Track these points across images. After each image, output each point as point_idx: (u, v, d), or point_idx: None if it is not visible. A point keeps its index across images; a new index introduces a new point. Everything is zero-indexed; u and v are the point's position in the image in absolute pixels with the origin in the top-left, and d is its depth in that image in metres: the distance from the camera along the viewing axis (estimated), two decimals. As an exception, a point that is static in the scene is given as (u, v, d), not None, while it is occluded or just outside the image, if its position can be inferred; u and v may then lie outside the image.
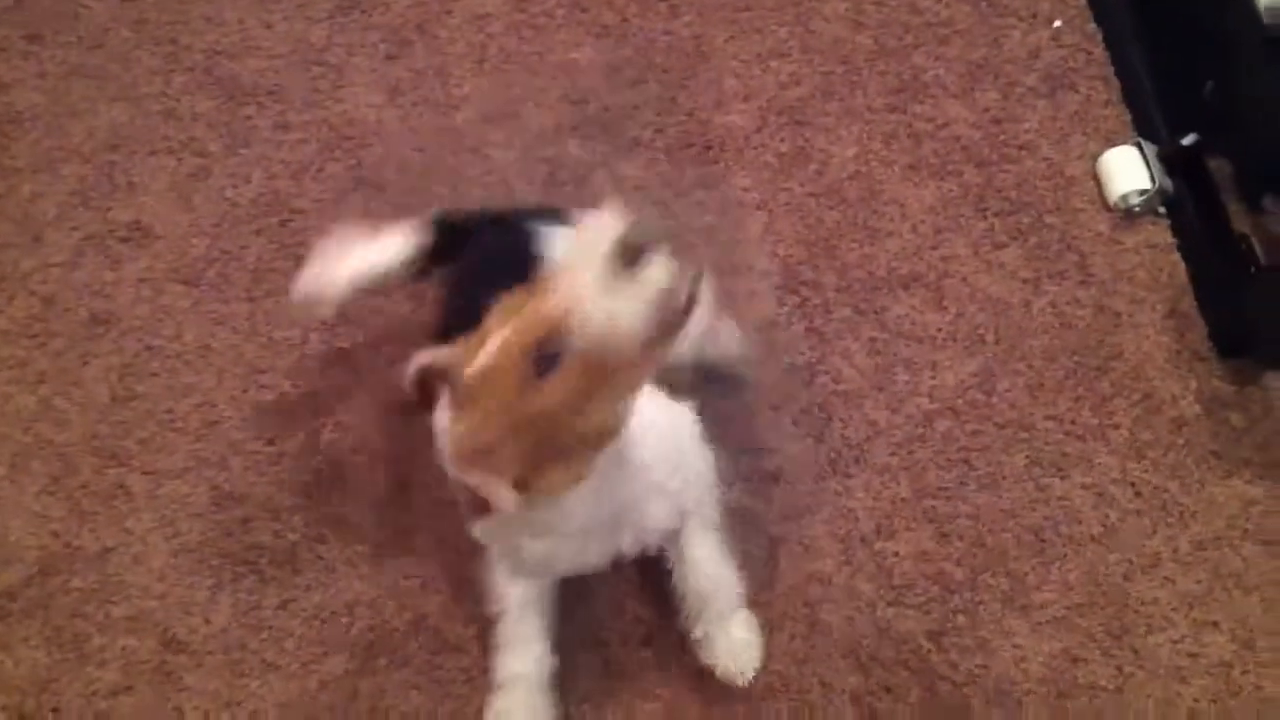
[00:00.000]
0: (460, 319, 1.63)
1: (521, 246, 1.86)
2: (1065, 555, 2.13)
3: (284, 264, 2.39)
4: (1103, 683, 2.03)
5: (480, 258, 1.95)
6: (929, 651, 2.06)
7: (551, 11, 2.65)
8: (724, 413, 2.21)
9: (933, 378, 2.29)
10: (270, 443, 2.27)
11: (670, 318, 1.46)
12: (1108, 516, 2.16)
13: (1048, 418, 2.25)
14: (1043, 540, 2.14)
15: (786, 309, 2.37)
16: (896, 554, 2.14)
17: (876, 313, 2.35)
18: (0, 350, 2.37)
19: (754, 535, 2.16)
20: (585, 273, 1.42)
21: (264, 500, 2.21)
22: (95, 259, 2.43)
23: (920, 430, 2.25)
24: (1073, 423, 2.24)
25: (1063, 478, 2.19)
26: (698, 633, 1.97)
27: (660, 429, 1.75)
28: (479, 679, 2.05)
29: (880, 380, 2.30)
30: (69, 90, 2.59)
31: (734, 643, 1.98)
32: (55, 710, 2.08)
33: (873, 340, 2.33)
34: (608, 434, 1.52)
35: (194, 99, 2.57)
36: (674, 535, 1.93)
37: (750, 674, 1.99)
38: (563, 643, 1.99)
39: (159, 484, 2.25)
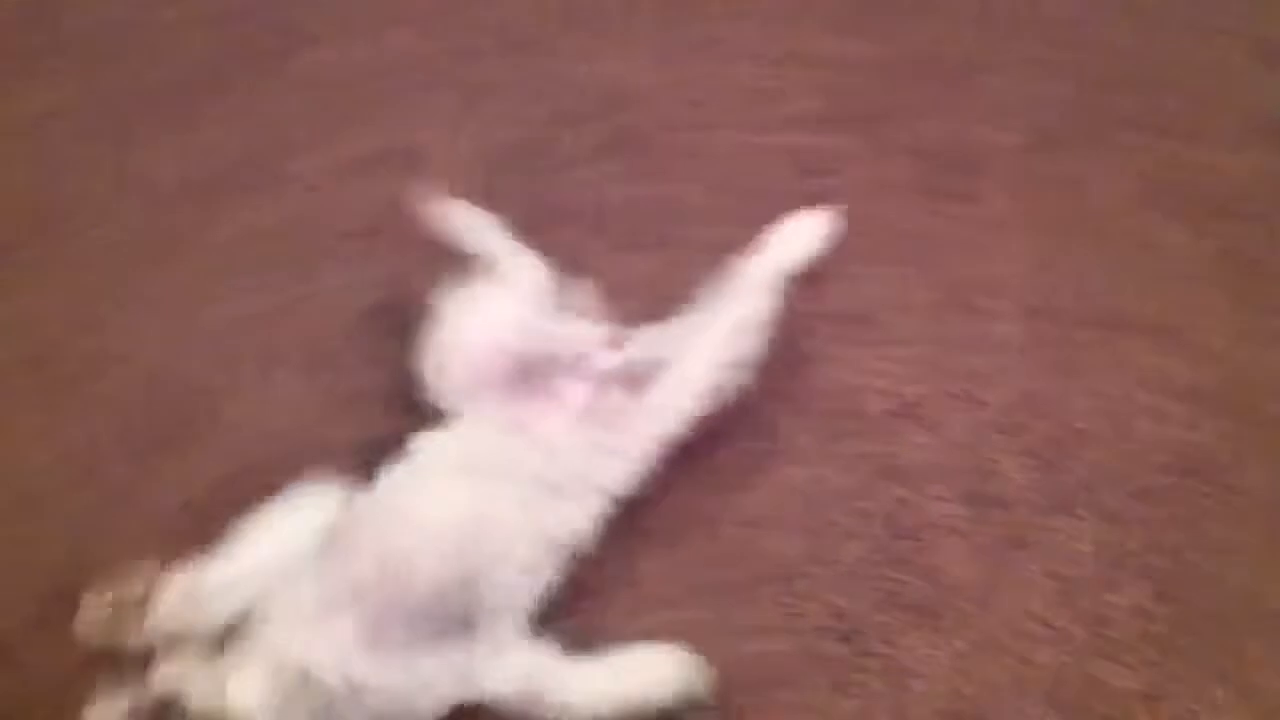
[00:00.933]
0: None
1: None
2: (1291, 638, 2.04)
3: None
4: (1315, 780, 1.94)
5: None
6: (1135, 710, 1.98)
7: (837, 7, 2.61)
8: (951, 433, 2.16)
9: (1179, 433, 2.21)
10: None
11: None
12: (1341, 606, 2.06)
13: (1287, 490, 2.16)
14: (1269, 619, 2.05)
15: (1031, 336, 2.31)
16: (1116, 606, 2.06)
17: (1123, 356, 2.28)
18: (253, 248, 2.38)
19: (970, 557, 2.10)
20: None
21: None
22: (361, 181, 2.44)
23: (1153, 484, 2.17)
24: (1315, 497, 2.15)
25: (1305, 564, 2.10)
26: None
27: None
28: None
29: (1121, 425, 2.22)
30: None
31: None
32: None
33: (1117, 384, 2.26)
34: None
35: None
36: None
37: None
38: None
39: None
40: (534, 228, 2.23)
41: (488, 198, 2.25)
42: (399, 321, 2.19)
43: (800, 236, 2.14)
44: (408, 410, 2.08)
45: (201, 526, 1.93)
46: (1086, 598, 2.07)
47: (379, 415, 2.19)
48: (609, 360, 1.98)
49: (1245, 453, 2.19)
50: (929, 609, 2.06)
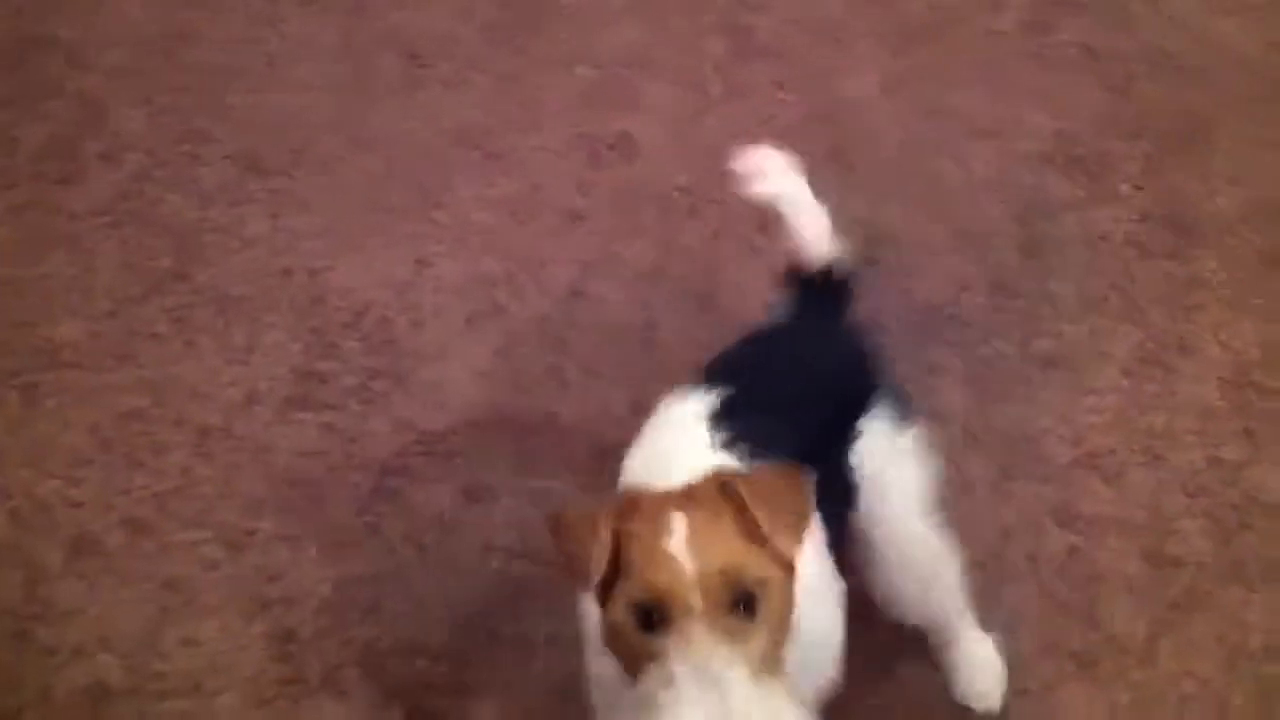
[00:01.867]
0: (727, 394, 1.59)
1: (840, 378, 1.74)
2: None
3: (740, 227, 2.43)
4: None
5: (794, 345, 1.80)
6: (1292, 789, 1.97)
7: (1064, 50, 2.62)
8: (1133, 489, 2.16)
9: (1363, 520, 2.18)
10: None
11: None
12: None
13: None
14: None
15: (1225, 403, 2.29)
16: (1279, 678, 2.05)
17: (1318, 436, 2.26)
18: (476, 215, 2.49)
19: (1137, 611, 2.10)
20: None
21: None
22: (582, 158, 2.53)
23: (1334, 566, 2.15)
24: None
25: None
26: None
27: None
28: None
29: (1306, 502, 2.20)
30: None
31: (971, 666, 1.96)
32: (453, 551, 2.18)
33: (1308, 460, 2.24)
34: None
35: (710, 40, 2.64)
36: None
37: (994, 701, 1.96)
38: None
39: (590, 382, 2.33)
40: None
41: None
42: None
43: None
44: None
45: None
46: (1251, 667, 2.06)
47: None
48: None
49: None
50: (1092, 659, 2.07)
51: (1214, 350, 2.33)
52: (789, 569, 1.31)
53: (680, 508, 1.27)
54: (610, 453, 2.22)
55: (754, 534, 1.28)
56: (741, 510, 1.29)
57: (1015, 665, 2.06)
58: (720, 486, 1.31)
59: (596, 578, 1.27)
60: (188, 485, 2.24)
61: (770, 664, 1.26)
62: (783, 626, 1.30)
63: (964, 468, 2.26)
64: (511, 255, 2.49)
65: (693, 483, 1.33)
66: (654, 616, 1.24)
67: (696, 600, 1.22)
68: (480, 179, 2.60)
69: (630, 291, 2.44)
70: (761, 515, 1.28)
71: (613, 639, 1.31)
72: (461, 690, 2.05)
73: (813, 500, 1.36)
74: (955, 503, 2.18)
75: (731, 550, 1.26)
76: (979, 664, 1.99)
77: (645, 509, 1.29)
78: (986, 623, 2.05)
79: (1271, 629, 2.09)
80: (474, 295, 2.46)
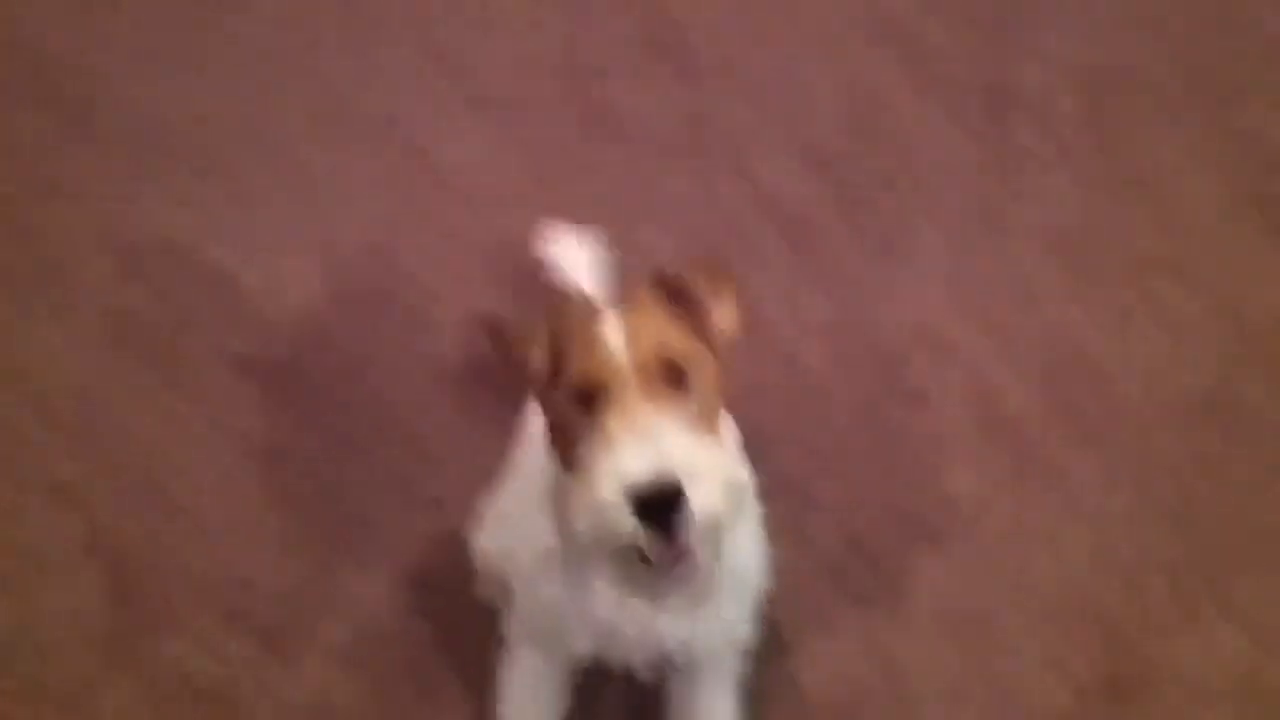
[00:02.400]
0: None
1: None
2: (1277, 561, 2.08)
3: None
4: (1296, 695, 1.99)
5: None
6: (1126, 621, 2.05)
7: None
8: (963, 358, 2.21)
9: (1186, 365, 2.26)
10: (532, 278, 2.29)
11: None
12: (1333, 538, 2.10)
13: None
14: (1260, 546, 2.11)
15: (1050, 264, 2.38)
16: (1111, 527, 2.13)
17: (1143, 291, 2.33)
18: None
19: (977, 473, 2.14)
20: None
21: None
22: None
23: (1162, 416, 2.24)
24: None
25: (1295, 489, 2.14)
26: (672, 703, 1.87)
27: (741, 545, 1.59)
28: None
29: (1131, 357, 2.30)
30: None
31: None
32: (290, 475, 2.12)
33: (1129, 312, 2.31)
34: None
35: None
36: (684, 676, 1.81)
37: None
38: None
39: (420, 290, 2.28)
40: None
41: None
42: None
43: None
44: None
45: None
46: (1087, 516, 2.12)
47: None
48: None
49: (1254, 391, 2.23)
50: (935, 522, 2.12)
51: (1037, 212, 2.38)
52: (716, 351, 1.42)
53: (611, 304, 1.40)
54: (437, 366, 2.19)
55: (682, 321, 1.40)
56: (670, 303, 1.40)
57: (863, 533, 2.09)
58: (648, 283, 1.42)
59: (541, 375, 1.38)
60: None
61: (703, 426, 1.35)
62: (712, 398, 1.40)
63: (799, 348, 2.27)
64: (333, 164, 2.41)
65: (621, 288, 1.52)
66: (593, 399, 1.33)
67: (631, 376, 1.32)
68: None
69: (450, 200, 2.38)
70: (691, 301, 1.40)
71: (556, 433, 1.40)
72: (309, 608, 2.02)
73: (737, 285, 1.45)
74: (796, 383, 2.20)
75: (662, 332, 1.37)
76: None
77: (579, 307, 1.41)
78: (830, 493, 2.09)
79: (1103, 474, 2.17)
80: (287, 210, 2.37)
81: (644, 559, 1.31)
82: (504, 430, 1.88)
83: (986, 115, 2.51)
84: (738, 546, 1.53)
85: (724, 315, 1.43)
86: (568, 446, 1.37)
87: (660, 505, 1.26)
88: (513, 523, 1.70)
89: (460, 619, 2.00)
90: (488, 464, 1.89)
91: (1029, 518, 2.12)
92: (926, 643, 2.02)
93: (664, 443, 1.27)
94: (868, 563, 2.08)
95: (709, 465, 1.30)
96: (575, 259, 2.06)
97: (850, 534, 2.10)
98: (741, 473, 1.39)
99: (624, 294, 1.45)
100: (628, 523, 1.27)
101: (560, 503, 1.45)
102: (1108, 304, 2.31)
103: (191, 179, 2.42)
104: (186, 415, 2.17)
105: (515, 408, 1.83)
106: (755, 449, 2.06)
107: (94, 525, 2.07)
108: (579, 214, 2.19)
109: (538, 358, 1.39)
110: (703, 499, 1.27)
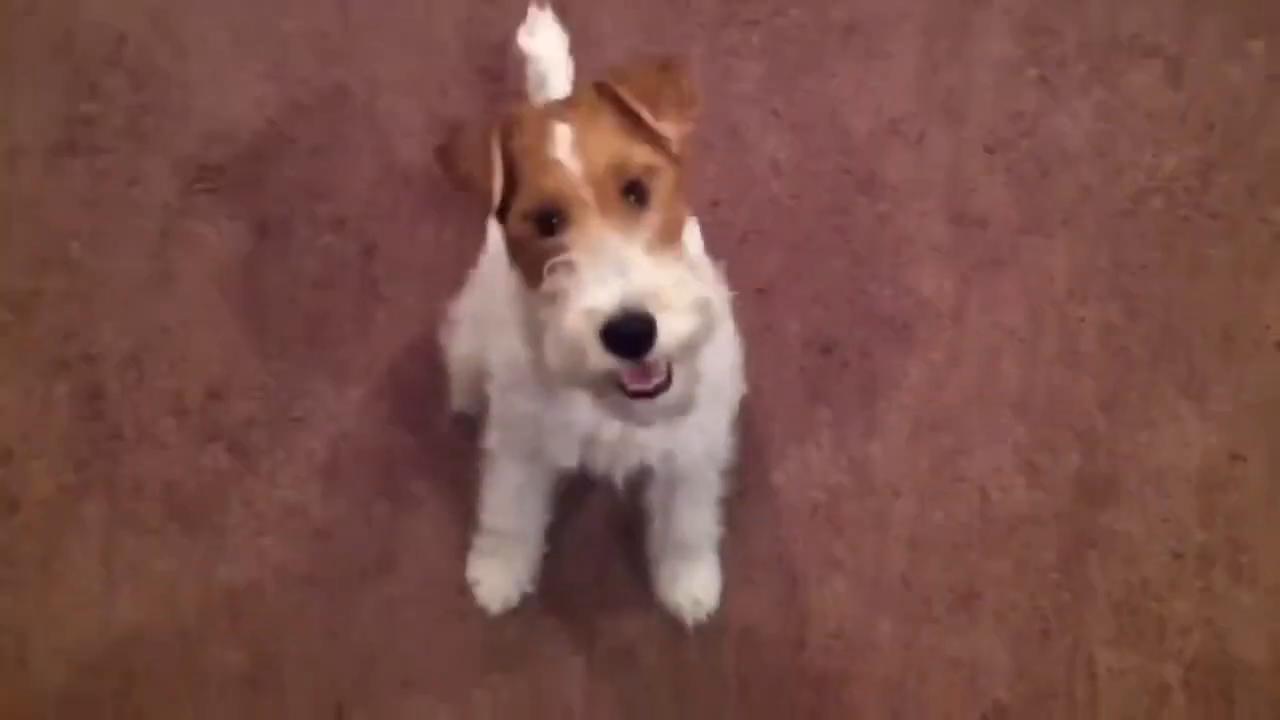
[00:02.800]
0: None
1: None
2: (1248, 357, 2.10)
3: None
4: (1258, 484, 2.03)
5: None
6: (1097, 419, 2.06)
7: None
8: (936, 151, 2.17)
9: (1154, 156, 2.22)
10: (492, 77, 2.21)
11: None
12: (1297, 327, 2.12)
13: (1260, 220, 2.18)
14: (1230, 338, 2.11)
15: (1021, 52, 2.28)
16: (1083, 320, 2.12)
17: (1111, 77, 2.26)
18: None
19: (945, 272, 2.13)
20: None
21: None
22: None
23: (1131, 205, 2.19)
24: (1285, 230, 2.18)
25: (1262, 281, 2.14)
26: (664, 570, 1.90)
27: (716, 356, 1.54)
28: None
29: (1102, 146, 2.23)
30: None
31: (695, 586, 1.91)
32: (256, 288, 2.09)
33: (1102, 104, 2.25)
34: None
35: None
36: (664, 485, 1.81)
37: (703, 617, 1.92)
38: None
39: (377, 94, 2.20)
40: None
41: None
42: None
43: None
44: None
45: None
46: (1056, 313, 2.12)
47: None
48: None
49: (1222, 179, 2.20)
50: (905, 322, 2.11)
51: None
52: (674, 158, 1.36)
53: (561, 117, 1.31)
54: (398, 171, 2.15)
55: (636, 128, 1.33)
56: (622, 109, 1.33)
57: (833, 335, 2.08)
58: (598, 90, 1.34)
59: (498, 196, 1.32)
60: (-44, 252, 2.08)
61: (666, 243, 1.31)
62: (674, 211, 1.35)
63: (768, 148, 2.22)
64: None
65: (570, 93, 1.42)
66: (552, 221, 1.29)
67: (588, 195, 1.27)
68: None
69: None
70: (642, 107, 1.32)
71: (516, 252, 1.37)
72: (282, 423, 2.00)
73: (692, 80, 1.38)
74: (765, 185, 2.17)
75: (615, 145, 1.30)
76: (705, 585, 1.92)
77: (529, 123, 1.33)
78: (800, 295, 2.08)
79: (1072, 271, 2.14)
80: (239, 13, 2.26)
81: (620, 387, 1.30)
82: (471, 232, 1.84)
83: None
84: (713, 359, 1.50)
85: (677, 115, 1.35)
86: (530, 265, 1.34)
87: (631, 337, 1.23)
88: (483, 332, 1.68)
89: (435, 428, 1.99)
90: (458, 269, 1.86)
91: (1000, 316, 2.12)
92: (898, 443, 2.04)
93: (629, 269, 1.24)
94: (839, 364, 2.08)
95: (677, 287, 1.26)
96: (555, 54, 1.97)
97: (821, 336, 2.09)
98: (710, 289, 1.35)
99: (573, 100, 1.37)
100: (600, 357, 1.24)
101: (528, 319, 1.42)
102: (1080, 92, 2.26)
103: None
104: (146, 228, 2.11)
105: (481, 211, 1.78)
106: (725, 251, 2.05)
107: (62, 336, 2.03)
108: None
109: (490, 181, 1.33)
110: (674, 325, 1.25)
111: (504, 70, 2.23)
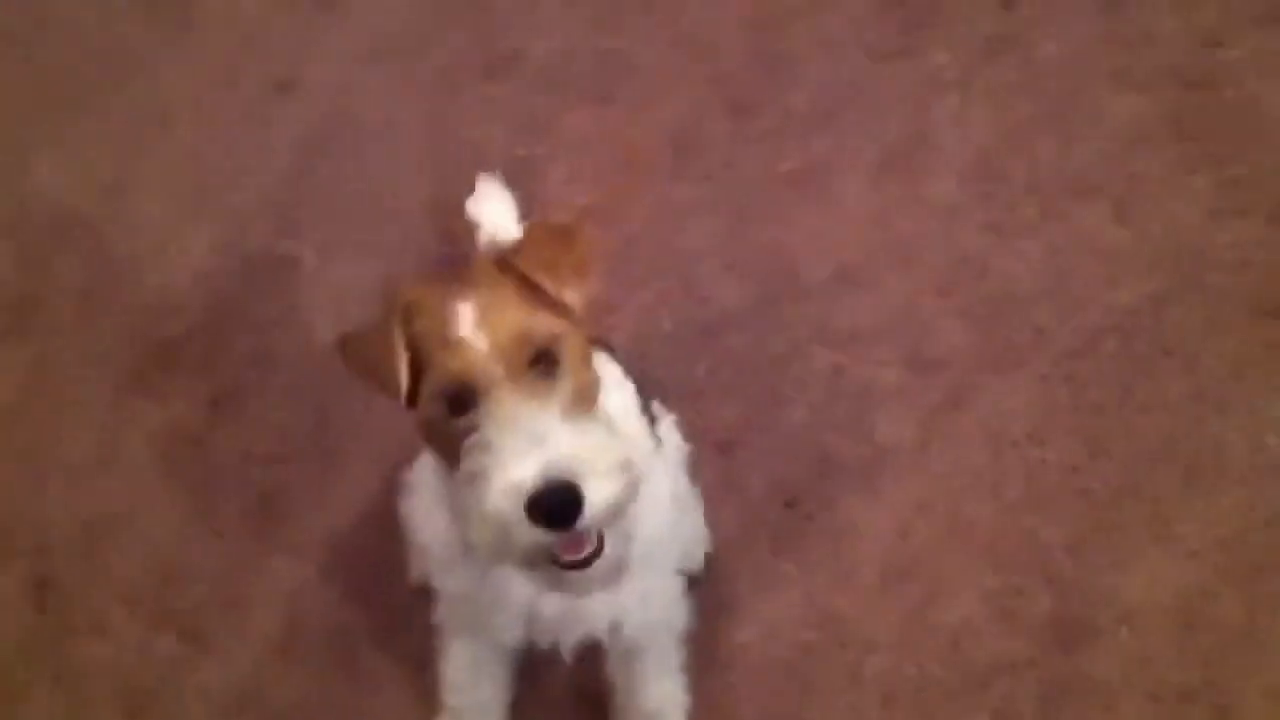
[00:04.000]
0: None
1: None
2: (1212, 492, 2.07)
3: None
4: (1232, 620, 1.99)
5: None
6: (1066, 563, 2.02)
7: None
8: (886, 299, 2.17)
9: (1106, 293, 2.22)
10: (449, 240, 2.21)
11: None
12: (1258, 462, 2.10)
13: (1215, 354, 2.18)
14: (1192, 473, 2.09)
15: (968, 195, 2.29)
16: (1045, 461, 2.09)
17: (1059, 218, 2.27)
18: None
19: (905, 417, 2.12)
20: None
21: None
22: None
23: (1086, 345, 2.18)
24: (1240, 363, 2.17)
25: (1222, 415, 2.13)
26: (617, 697, 1.83)
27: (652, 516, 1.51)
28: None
29: (1052, 286, 2.23)
30: None
31: (659, 707, 1.82)
32: (208, 464, 2.05)
33: (1050, 244, 2.26)
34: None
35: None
36: (621, 657, 1.78)
37: None
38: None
39: (329, 261, 2.20)
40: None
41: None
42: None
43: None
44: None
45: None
46: (1018, 455, 2.09)
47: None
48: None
49: (1175, 314, 2.21)
50: (867, 471, 2.08)
51: (951, 144, 2.31)
52: (579, 322, 1.35)
53: (462, 295, 1.30)
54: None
55: (538, 297, 1.32)
56: (523, 279, 1.32)
57: (796, 488, 2.05)
58: (496, 263, 1.34)
59: (404, 383, 1.30)
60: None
61: (582, 407, 1.29)
62: (586, 374, 1.35)
63: (723, 300, 2.21)
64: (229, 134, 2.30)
65: (469, 268, 1.36)
66: (463, 400, 1.27)
67: (497, 370, 1.26)
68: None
69: (363, 158, 2.29)
70: (543, 278, 1.31)
71: (430, 435, 1.35)
72: (235, 605, 1.95)
73: (591, 243, 1.39)
74: (721, 337, 2.16)
75: (518, 317, 1.29)
76: (668, 709, 1.85)
77: (429, 305, 1.31)
78: (761, 447, 2.05)
79: (1031, 412, 2.13)
80: (188, 188, 2.26)
81: (552, 559, 1.27)
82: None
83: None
84: (648, 519, 1.47)
85: (578, 281, 1.34)
86: (446, 446, 1.31)
87: (558, 507, 1.21)
88: (423, 508, 1.63)
89: (395, 601, 1.94)
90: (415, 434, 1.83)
91: (962, 458, 2.09)
92: (867, 594, 2.00)
93: (547, 439, 1.22)
94: (803, 517, 2.05)
95: (599, 450, 1.24)
96: (504, 220, 1.97)
97: (784, 488, 2.07)
98: (632, 447, 1.33)
99: (473, 275, 1.35)
100: (528, 531, 1.22)
101: (452, 499, 1.39)
102: (1028, 232, 2.27)
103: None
104: (94, 409, 2.08)
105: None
106: (685, 405, 2.03)
107: (10, 524, 1.98)
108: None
109: (395, 369, 1.31)
110: (600, 489, 1.23)
111: (456, 233, 2.22)
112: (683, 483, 1.78)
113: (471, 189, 2.07)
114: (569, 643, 1.60)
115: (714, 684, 1.91)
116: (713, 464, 2.05)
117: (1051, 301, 2.22)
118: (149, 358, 2.09)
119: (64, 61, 2.35)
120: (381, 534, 1.95)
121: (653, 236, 2.25)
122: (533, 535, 1.22)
